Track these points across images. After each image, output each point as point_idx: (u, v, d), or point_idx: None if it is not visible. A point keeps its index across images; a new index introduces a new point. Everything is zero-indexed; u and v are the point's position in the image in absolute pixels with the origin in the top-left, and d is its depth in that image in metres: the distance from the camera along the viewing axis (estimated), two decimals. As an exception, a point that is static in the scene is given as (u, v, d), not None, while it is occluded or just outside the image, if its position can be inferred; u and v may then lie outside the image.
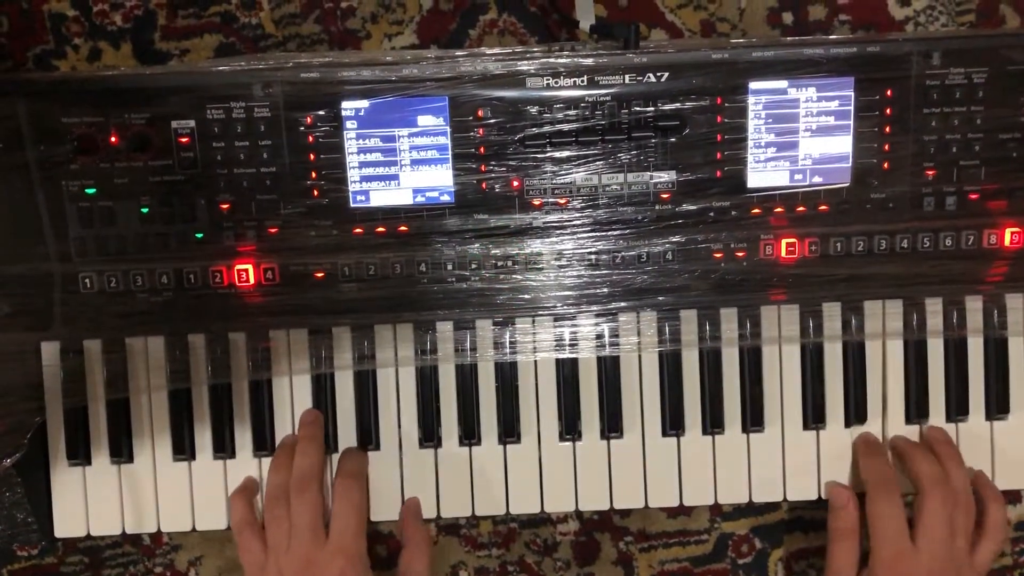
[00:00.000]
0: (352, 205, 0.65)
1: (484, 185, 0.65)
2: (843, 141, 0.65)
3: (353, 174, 0.65)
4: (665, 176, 0.65)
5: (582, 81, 0.64)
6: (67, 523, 0.69)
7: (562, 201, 0.66)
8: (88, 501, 0.69)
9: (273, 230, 0.65)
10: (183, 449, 0.68)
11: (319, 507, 0.64)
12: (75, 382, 0.67)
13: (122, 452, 0.68)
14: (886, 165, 0.66)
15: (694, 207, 0.66)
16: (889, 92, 0.65)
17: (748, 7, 0.76)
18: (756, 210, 0.66)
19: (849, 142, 0.65)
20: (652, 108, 0.64)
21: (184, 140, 0.64)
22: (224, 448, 0.69)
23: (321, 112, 0.64)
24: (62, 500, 0.69)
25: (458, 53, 0.65)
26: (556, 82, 0.64)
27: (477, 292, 0.67)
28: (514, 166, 0.65)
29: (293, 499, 0.64)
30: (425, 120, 0.64)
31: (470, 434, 0.69)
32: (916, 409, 0.70)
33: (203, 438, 0.69)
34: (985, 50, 0.64)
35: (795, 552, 0.80)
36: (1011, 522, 0.79)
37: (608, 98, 0.64)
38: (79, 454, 0.68)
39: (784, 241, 0.67)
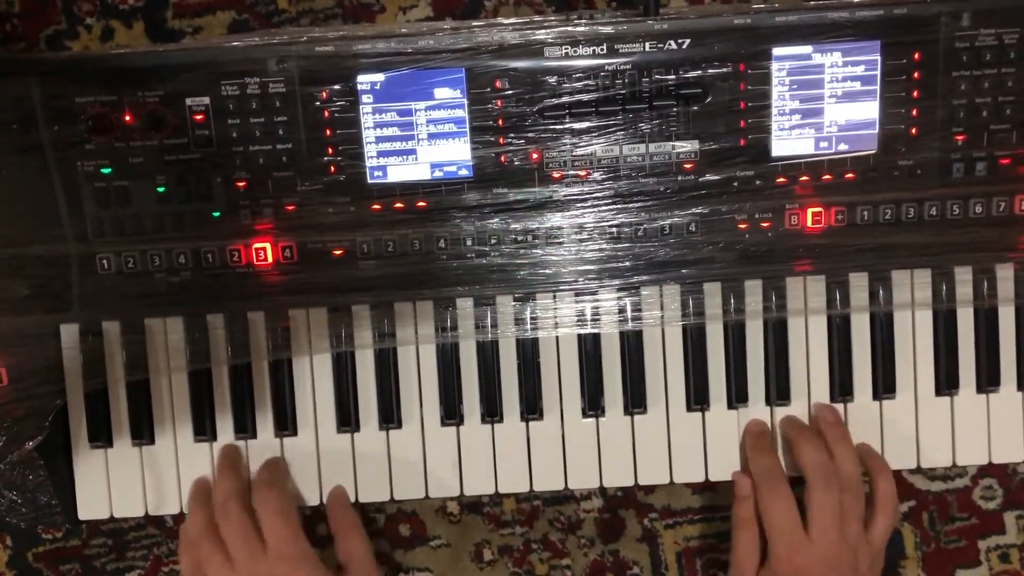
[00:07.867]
0: (369, 181, 0.65)
1: (503, 158, 0.64)
2: (870, 107, 0.64)
3: (370, 149, 0.64)
4: (687, 146, 0.64)
5: (601, 50, 0.63)
6: (90, 505, 0.69)
7: (582, 173, 0.65)
8: (111, 483, 0.69)
9: (290, 208, 0.65)
10: (204, 430, 0.68)
11: (247, 525, 0.63)
12: (95, 364, 0.67)
13: (143, 434, 0.68)
14: (914, 131, 0.64)
15: (717, 177, 0.65)
16: (917, 55, 0.63)
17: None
18: (781, 179, 0.65)
19: (876, 108, 0.64)
20: (673, 76, 0.63)
21: (199, 118, 0.63)
22: (245, 428, 0.68)
23: (336, 87, 0.63)
24: (85, 483, 0.69)
25: (474, 23, 0.63)
26: (575, 51, 0.62)
27: (497, 267, 0.66)
28: (533, 138, 0.64)
29: (221, 527, 0.63)
30: (442, 93, 0.63)
31: (492, 411, 0.68)
32: (946, 380, 0.68)
33: (224, 419, 0.68)
34: (1016, 10, 0.63)
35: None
36: None
37: (628, 67, 0.63)
38: (100, 437, 0.68)
39: (810, 210, 0.65)
